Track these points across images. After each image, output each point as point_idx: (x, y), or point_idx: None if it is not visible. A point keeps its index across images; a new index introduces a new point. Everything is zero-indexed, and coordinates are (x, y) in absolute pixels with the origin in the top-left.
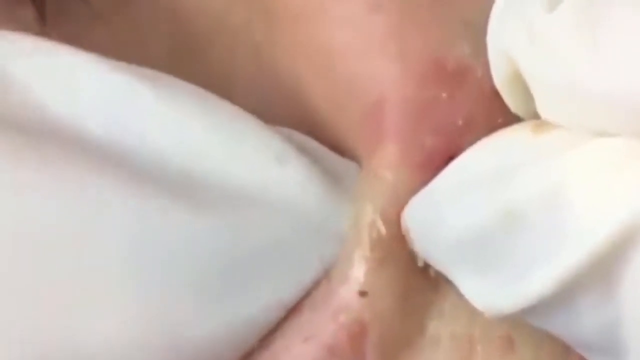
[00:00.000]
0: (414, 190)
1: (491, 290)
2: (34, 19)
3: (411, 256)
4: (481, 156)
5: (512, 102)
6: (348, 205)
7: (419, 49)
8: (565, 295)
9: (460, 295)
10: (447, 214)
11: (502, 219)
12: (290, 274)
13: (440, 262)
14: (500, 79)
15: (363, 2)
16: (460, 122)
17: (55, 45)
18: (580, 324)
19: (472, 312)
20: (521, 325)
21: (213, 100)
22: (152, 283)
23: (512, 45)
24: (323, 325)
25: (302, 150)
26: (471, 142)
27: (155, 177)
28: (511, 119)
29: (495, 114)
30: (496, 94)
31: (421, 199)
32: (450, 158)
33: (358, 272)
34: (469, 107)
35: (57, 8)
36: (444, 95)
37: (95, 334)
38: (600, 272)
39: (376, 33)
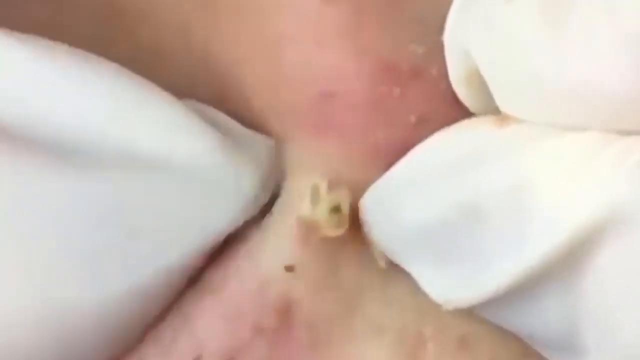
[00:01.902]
0: (356, 177)
1: (450, 282)
2: None
3: (347, 235)
4: (442, 147)
5: (469, 100)
6: (255, 174)
7: (373, 47)
8: (526, 290)
9: (411, 287)
10: (406, 204)
11: (463, 212)
12: (187, 236)
13: (398, 252)
14: (457, 78)
15: None
16: (413, 119)
17: None
18: (540, 319)
19: (424, 308)
20: (477, 324)
21: (111, 67)
22: (34, 248)
23: (471, 40)
24: (248, 301)
25: (211, 121)
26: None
27: (41, 142)
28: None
29: (451, 113)
30: (452, 93)
31: (379, 188)
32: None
33: (284, 246)
34: (423, 104)
35: None
36: (396, 90)
37: None
38: (562, 268)
39: (329, 27)
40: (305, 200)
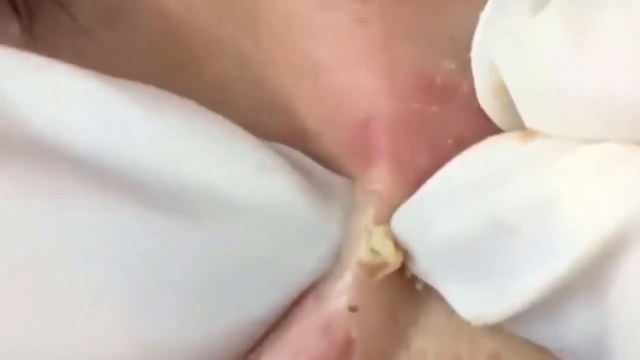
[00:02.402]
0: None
1: (478, 298)
2: (20, 34)
3: (400, 270)
4: (469, 164)
5: (496, 115)
6: (339, 217)
7: (406, 64)
8: (554, 302)
9: (446, 311)
10: (434, 221)
11: (490, 227)
12: (274, 284)
13: (428, 270)
14: (483, 92)
15: (348, 15)
16: (450, 141)
17: (44, 61)
18: (568, 332)
19: (458, 328)
20: (508, 341)
21: (196, 110)
22: (131, 292)
23: (497, 53)
24: (312, 341)
25: (290, 162)
26: None
27: (136, 188)
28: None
29: (484, 131)
30: (483, 111)
31: (409, 206)
32: None
33: (349, 286)
34: (459, 124)
35: (44, 22)
36: (433, 109)
37: (76, 345)
38: (588, 279)
39: (362, 47)
40: (363, 241)
